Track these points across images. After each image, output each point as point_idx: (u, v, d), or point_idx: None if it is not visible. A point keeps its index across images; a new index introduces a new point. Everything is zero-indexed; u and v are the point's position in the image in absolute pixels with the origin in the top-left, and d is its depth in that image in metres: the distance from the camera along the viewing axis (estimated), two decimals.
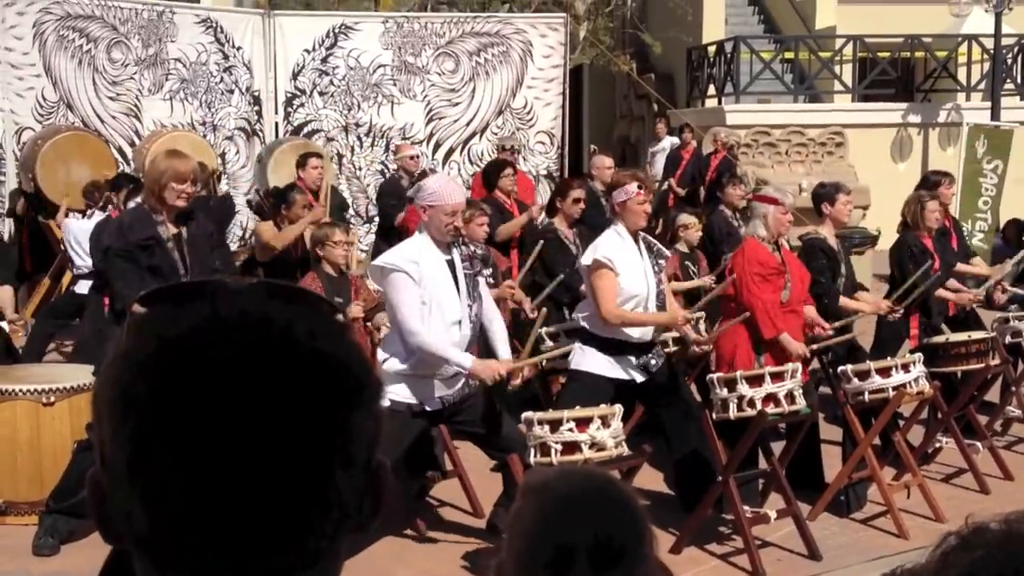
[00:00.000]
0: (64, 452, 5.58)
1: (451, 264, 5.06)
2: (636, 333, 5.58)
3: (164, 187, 5.10)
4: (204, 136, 10.85)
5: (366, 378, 0.88)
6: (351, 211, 10.91)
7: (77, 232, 8.76)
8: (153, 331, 0.85)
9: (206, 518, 0.81)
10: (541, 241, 7.18)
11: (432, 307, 4.95)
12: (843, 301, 6.50)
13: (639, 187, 5.55)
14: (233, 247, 10.10)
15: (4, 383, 5.81)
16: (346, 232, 6.73)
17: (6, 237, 9.84)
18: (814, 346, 6.13)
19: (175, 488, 0.81)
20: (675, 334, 6.75)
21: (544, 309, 5.99)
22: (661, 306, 5.68)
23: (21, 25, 10.05)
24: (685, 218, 8.43)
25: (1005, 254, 12.82)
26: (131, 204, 7.14)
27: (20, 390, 5.73)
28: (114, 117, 10.62)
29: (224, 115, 11.22)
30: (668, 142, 14.72)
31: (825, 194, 6.65)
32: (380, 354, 5.09)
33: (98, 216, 8.57)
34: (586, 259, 5.61)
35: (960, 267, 7.61)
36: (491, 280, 6.92)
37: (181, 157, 5.27)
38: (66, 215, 9.15)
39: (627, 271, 5.50)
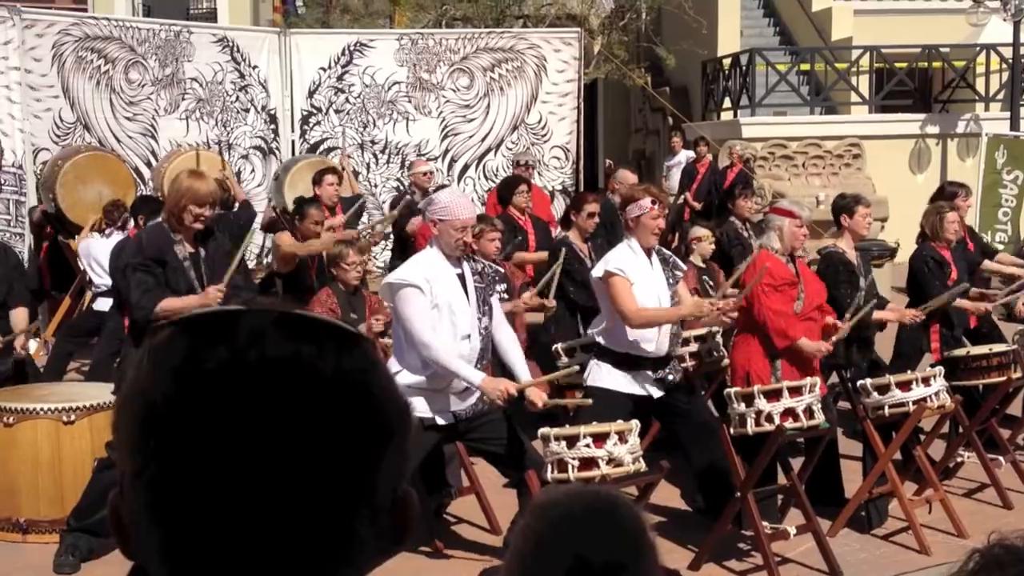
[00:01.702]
0: (85, 470, 5.60)
1: (461, 278, 5.08)
2: (651, 347, 5.56)
3: (183, 208, 5.12)
4: (219, 154, 10.91)
5: (395, 417, 0.85)
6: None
7: (96, 250, 8.81)
8: (173, 372, 0.81)
9: (227, 565, 0.80)
10: (563, 249, 7.16)
11: (443, 320, 4.96)
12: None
13: (653, 202, 5.55)
14: (251, 265, 10.13)
15: (25, 402, 5.84)
16: (361, 252, 6.73)
17: (27, 254, 9.91)
18: (833, 337, 6.04)
19: (195, 536, 0.79)
20: (691, 348, 6.74)
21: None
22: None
23: (40, 47, 10.14)
24: (698, 231, 8.40)
25: None
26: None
27: (41, 409, 5.76)
28: (130, 137, 10.70)
29: (240, 134, 11.29)
30: (684, 156, 14.72)
31: (844, 206, 6.62)
32: (390, 367, 5.09)
33: (117, 236, 8.62)
34: (597, 271, 5.61)
35: (989, 265, 7.54)
36: (505, 296, 6.92)
37: (202, 179, 5.28)
38: (94, 229, 9.20)
39: (639, 284, 5.49)
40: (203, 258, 5.24)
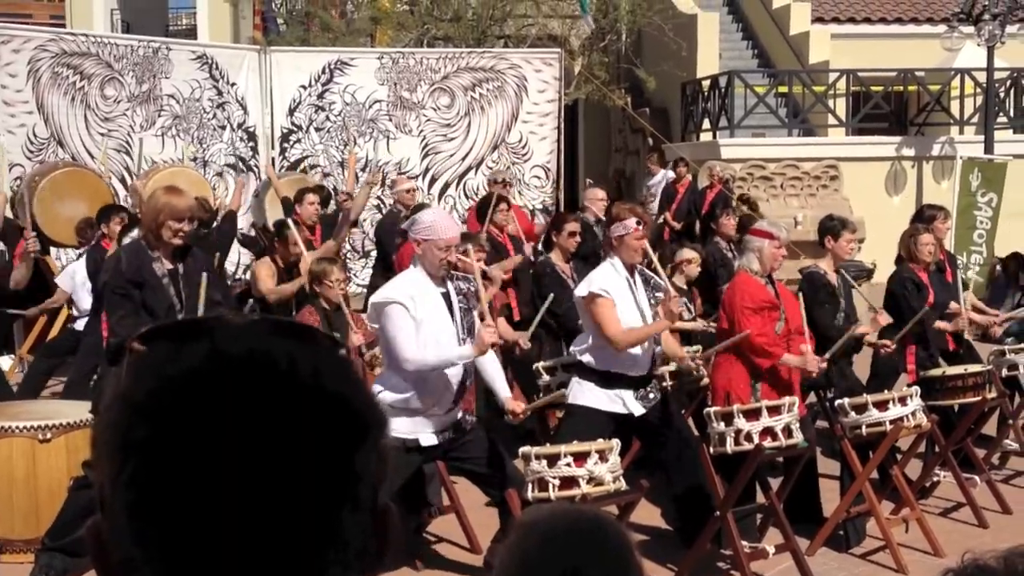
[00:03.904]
0: (60, 489, 5.55)
1: (446, 297, 5.07)
2: (632, 366, 5.57)
3: (161, 224, 5.11)
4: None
5: (370, 416, 0.86)
6: (347, 246, 10.93)
7: (78, 275, 8.75)
8: (152, 372, 0.83)
9: (210, 564, 0.80)
10: (551, 296, 7.16)
11: (428, 341, 4.95)
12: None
13: (637, 223, 5.58)
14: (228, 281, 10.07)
15: (0, 420, 5.79)
16: (343, 270, 6.74)
17: None
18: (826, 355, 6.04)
19: (177, 535, 0.79)
20: (671, 367, 6.75)
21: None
22: (656, 341, 5.69)
23: (16, 62, 10.08)
24: (687, 253, 8.42)
25: (1005, 288, 12.85)
26: (127, 239, 7.15)
27: (16, 427, 5.71)
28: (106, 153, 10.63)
29: (215, 151, 11.25)
30: (662, 175, 14.78)
31: (831, 228, 6.65)
32: (375, 387, 5.09)
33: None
34: (581, 291, 5.62)
35: (958, 310, 7.60)
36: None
37: (179, 194, 5.27)
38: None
39: (622, 304, 5.51)
40: (181, 275, 5.24)
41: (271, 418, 0.81)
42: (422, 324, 4.93)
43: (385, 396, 4.94)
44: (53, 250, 9.93)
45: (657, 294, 5.70)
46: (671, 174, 14.28)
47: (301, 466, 0.81)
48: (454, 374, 5.03)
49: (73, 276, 8.83)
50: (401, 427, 4.92)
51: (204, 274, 5.23)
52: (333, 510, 0.82)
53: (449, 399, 5.05)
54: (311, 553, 0.82)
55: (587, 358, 5.61)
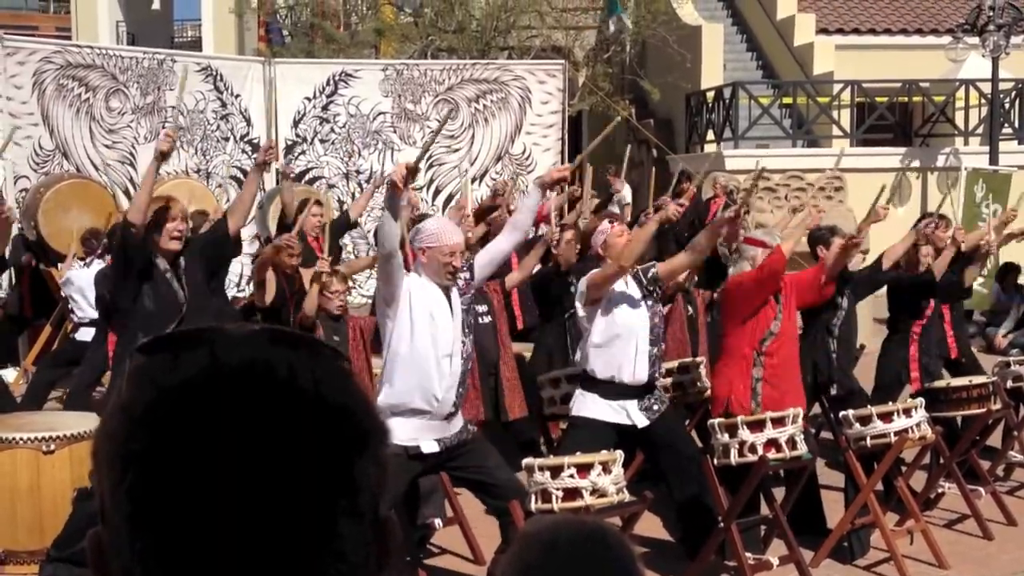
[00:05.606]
0: (65, 500, 5.54)
1: (447, 293, 5.06)
2: (629, 372, 5.56)
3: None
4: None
5: (371, 425, 0.86)
6: (351, 255, 10.94)
7: (77, 280, 8.76)
8: (151, 382, 0.83)
9: (209, 574, 0.79)
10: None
11: (426, 337, 4.94)
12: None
13: (611, 222, 5.82)
14: (230, 293, 10.07)
15: (3, 431, 5.79)
16: (344, 280, 6.74)
17: (6, 284, 9.86)
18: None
19: (176, 545, 0.79)
20: (674, 379, 6.75)
21: None
22: (655, 340, 5.66)
23: (21, 75, 10.13)
24: None
25: (1008, 301, 12.81)
26: None
27: (20, 438, 5.71)
28: (109, 165, 10.67)
29: (218, 163, 11.29)
30: (627, 191, 14.90)
31: (820, 237, 6.67)
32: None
33: (98, 264, 8.58)
34: (581, 286, 5.70)
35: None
36: (488, 318, 6.94)
37: (171, 200, 5.74)
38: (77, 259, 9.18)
39: (618, 305, 5.52)
40: (182, 268, 5.72)
41: (271, 428, 0.80)
42: (420, 318, 4.93)
43: (384, 398, 4.93)
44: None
45: (648, 288, 5.66)
46: (626, 192, 14.47)
47: (301, 476, 0.81)
48: (449, 374, 4.99)
49: (69, 280, 8.85)
50: (402, 433, 4.90)
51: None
52: (333, 520, 0.82)
53: (450, 401, 5.01)
54: (310, 563, 0.81)
55: (588, 367, 5.61)
